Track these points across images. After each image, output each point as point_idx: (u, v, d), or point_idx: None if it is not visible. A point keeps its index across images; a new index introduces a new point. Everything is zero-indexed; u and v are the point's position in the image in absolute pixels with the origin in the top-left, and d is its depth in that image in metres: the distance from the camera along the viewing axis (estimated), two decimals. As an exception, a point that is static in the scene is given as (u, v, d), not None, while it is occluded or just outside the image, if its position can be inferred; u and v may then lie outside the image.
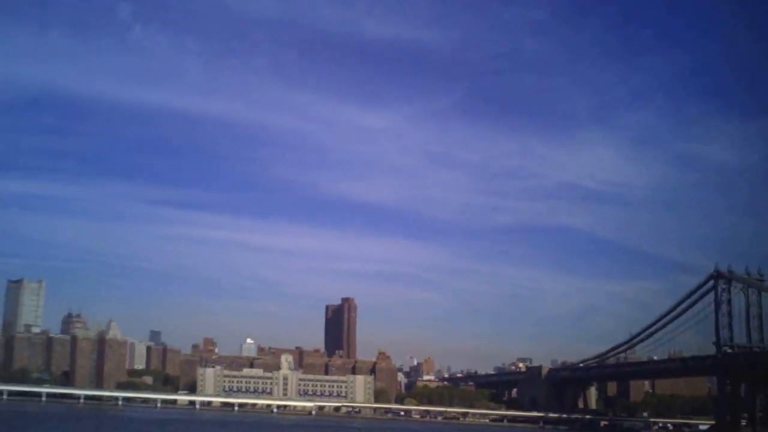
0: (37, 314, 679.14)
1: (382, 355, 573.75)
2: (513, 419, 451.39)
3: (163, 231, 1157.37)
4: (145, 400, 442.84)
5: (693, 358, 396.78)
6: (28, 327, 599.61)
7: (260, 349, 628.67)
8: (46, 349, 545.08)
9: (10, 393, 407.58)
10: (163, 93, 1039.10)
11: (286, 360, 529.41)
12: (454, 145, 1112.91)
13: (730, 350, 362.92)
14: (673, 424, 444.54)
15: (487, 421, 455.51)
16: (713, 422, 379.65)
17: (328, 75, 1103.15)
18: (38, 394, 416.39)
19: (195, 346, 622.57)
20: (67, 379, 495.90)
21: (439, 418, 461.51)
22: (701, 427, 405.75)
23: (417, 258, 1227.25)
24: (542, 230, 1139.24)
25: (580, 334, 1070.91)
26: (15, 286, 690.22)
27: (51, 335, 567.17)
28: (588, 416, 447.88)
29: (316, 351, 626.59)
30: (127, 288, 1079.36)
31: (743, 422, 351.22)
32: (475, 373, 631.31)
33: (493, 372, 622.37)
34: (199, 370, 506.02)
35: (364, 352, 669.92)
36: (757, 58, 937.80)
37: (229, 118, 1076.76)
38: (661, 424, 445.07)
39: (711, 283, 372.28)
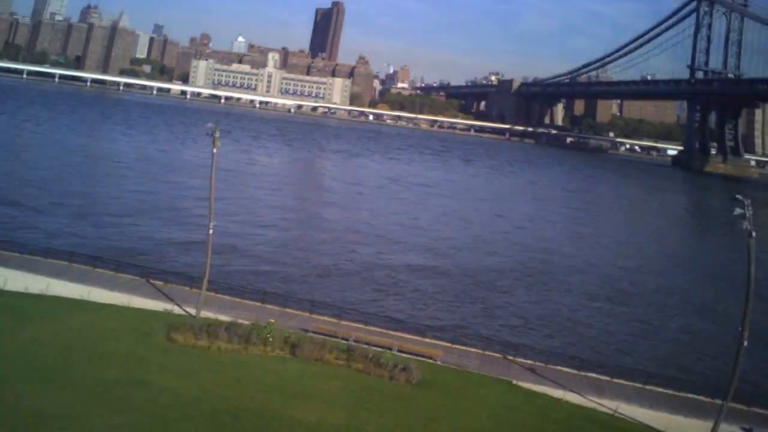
0: (62, 3, 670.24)
1: (361, 60, 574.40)
2: (480, 129, 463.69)
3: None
4: (143, 87, 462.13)
5: (665, 81, 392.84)
6: (53, 15, 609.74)
7: (250, 47, 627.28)
8: (65, 35, 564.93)
9: (29, 72, 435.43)
10: None
11: (272, 58, 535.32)
12: None
13: (703, 76, 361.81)
14: (641, 147, 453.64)
15: (457, 130, 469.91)
16: (681, 148, 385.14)
17: None
18: (52, 75, 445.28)
19: (192, 40, 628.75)
20: (79, 63, 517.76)
21: (410, 124, 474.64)
22: (669, 152, 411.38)
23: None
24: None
25: (556, 53, 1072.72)
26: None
27: (71, 22, 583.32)
28: (554, 131, 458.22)
29: (301, 52, 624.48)
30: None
31: (713, 150, 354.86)
32: (448, 84, 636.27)
33: (465, 84, 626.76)
34: (193, 62, 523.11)
35: (346, 58, 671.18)
36: None
37: None
38: (628, 146, 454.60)
39: (693, 4, 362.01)
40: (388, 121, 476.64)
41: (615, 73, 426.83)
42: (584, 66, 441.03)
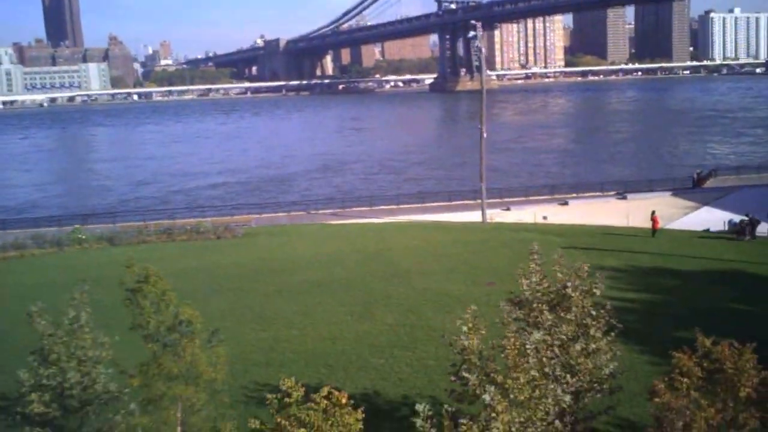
0: None
1: (114, 41, 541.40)
2: (256, 91, 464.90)
3: None
4: None
5: (417, 17, 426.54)
6: None
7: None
8: None
9: None
10: None
11: (5, 53, 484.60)
12: None
13: (453, 7, 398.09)
14: (403, 81, 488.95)
15: (232, 95, 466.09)
16: (436, 75, 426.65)
17: None
18: None
19: None
20: None
21: (181, 97, 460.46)
22: (426, 81, 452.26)
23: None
24: None
25: (317, 7, 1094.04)
26: None
27: None
28: (327, 81, 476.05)
29: (39, 42, 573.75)
30: None
31: (462, 72, 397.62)
32: (215, 54, 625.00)
33: (233, 51, 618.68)
34: None
35: (94, 41, 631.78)
36: None
37: None
38: (392, 83, 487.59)
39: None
40: (158, 98, 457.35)
41: (373, 18, 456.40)
42: (344, 15, 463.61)
